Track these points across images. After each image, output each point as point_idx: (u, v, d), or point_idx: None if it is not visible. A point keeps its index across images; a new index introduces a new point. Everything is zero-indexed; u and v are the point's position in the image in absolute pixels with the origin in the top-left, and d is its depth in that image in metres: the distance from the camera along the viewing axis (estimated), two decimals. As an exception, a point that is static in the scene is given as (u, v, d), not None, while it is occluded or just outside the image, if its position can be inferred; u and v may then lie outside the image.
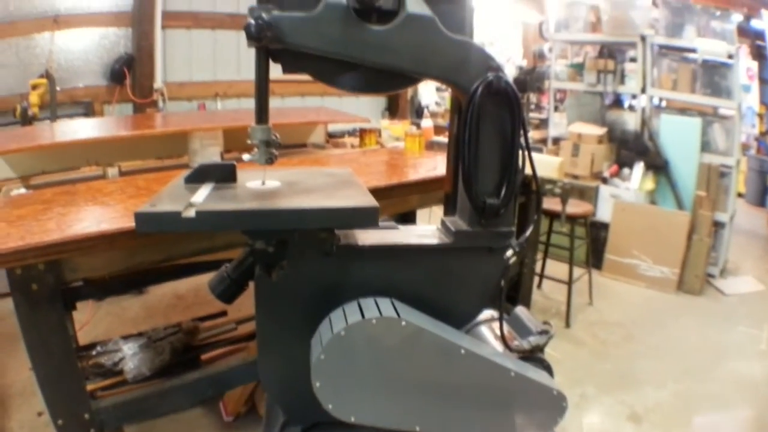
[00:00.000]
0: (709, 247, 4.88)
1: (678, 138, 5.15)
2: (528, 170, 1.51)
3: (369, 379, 1.33)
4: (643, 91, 5.38)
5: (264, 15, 1.24)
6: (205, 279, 1.54)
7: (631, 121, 5.53)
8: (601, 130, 5.49)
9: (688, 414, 3.13)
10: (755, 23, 6.97)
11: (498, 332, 1.49)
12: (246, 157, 1.42)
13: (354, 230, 1.56)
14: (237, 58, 5.85)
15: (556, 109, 6.42)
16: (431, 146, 3.75)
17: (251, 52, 1.31)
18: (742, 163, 6.71)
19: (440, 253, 1.53)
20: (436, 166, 3.08)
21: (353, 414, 1.33)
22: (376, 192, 1.53)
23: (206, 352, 2.65)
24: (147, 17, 5.15)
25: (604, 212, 5.28)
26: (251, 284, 1.46)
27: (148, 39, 5.19)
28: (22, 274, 1.68)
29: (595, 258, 4.97)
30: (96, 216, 1.99)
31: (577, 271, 4.25)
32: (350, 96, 6.48)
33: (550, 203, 4.07)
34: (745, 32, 7.17)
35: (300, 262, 1.42)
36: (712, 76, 5.03)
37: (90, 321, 3.72)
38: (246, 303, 1.55)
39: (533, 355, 1.47)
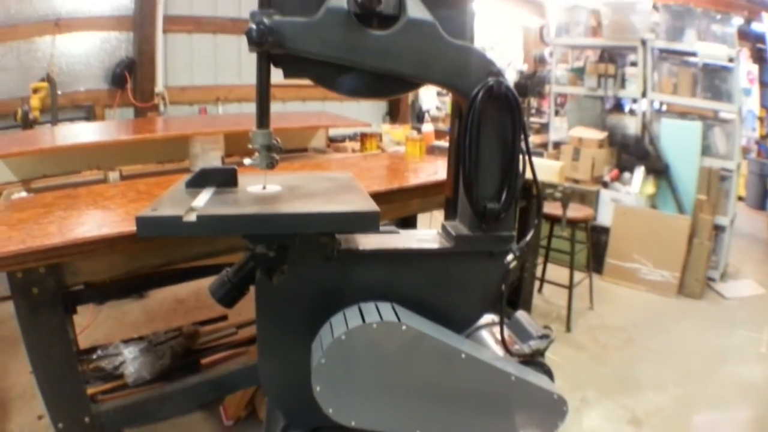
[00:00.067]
0: (710, 251, 4.88)
1: (678, 142, 5.15)
2: (528, 174, 1.51)
3: (370, 383, 1.33)
4: (644, 95, 5.39)
5: (265, 20, 1.25)
6: (205, 283, 1.54)
7: (631, 125, 5.53)
8: (601, 135, 5.49)
9: (689, 417, 3.13)
10: (756, 26, 6.97)
11: (498, 336, 1.49)
12: (247, 161, 1.43)
13: (355, 235, 1.56)
14: (238, 62, 5.87)
15: (556, 113, 6.43)
16: (432, 151, 3.76)
17: (252, 57, 1.32)
18: (743, 166, 6.70)
19: (441, 258, 1.53)
20: (436, 170, 3.09)
21: (354, 418, 1.32)
22: (376, 196, 1.53)
23: (207, 356, 2.65)
24: (148, 21, 5.16)
25: (604, 216, 5.28)
26: (252, 288, 1.46)
27: (149, 43, 5.20)
28: (23, 278, 1.68)
29: (596, 262, 4.97)
30: (97, 220, 2.00)
31: (578, 276, 4.25)
32: (351, 100, 6.48)
33: (551, 207, 4.07)
34: (745, 35, 7.17)
35: (301, 267, 1.42)
36: (713, 79, 5.04)
37: (91, 325, 3.72)
38: (246, 307, 1.55)
39: (534, 360, 1.47)
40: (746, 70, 7.76)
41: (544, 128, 7.10)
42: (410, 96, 7.69)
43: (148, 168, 3.27)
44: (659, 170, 5.21)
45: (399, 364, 1.33)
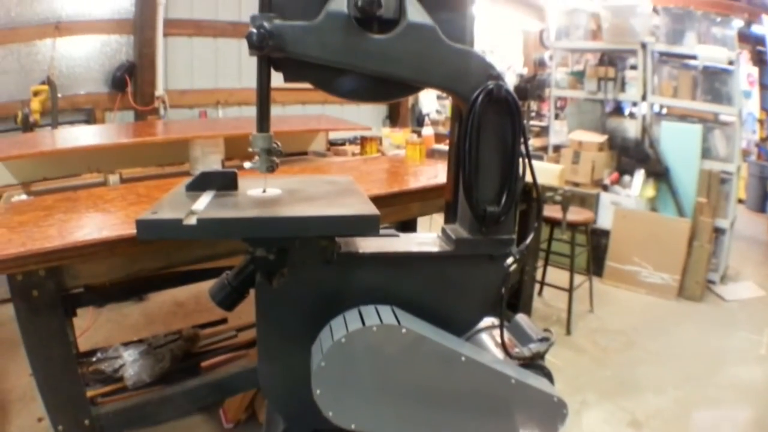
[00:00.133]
0: (710, 254, 4.88)
1: (678, 145, 5.16)
2: (528, 178, 1.51)
3: (369, 386, 1.33)
4: (644, 98, 5.39)
5: (266, 24, 1.25)
6: (205, 286, 1.54)
7: (631, 129, 5.53)
8: (601, 138, 5.49)
9: (689, 420, 3.12)
10: (756, 28, 6.98)
11: (498, 340, 1.49)
12: (247, 165, 1.43)
13: (355, 238, 1.56)
14: (238, 66, 5.87)
15: (556, 116, 6.43)
16: (432, 154, 3.75)
17: (252, 61, 1.32)
18: (743, 169, 6.71)
19: (441, 261, 1.54)
20: (436, 174, 3.09)
21: (353, 421, 1.32)
22: (376, 200, 1.54)
23: (206, 360, 2.65)
24: (149, 24, 5.17)
25: (604, 219, 5.28)
26: (252, 292, 1.46)
27: (149, 46, 5.21)
28: (23, 281, 1.68)
29: (596, 265, 4.96)
30: (97, 223, 2.00)
31: (578, 279, 4.24)
32: (351, 104, 6.49)
33: (551, 211, 4.07)
34: (745, 38, 7.18)
35: (301, 270, 1.43)
36: (713, 82, 5.04)
37: (90, 327, 3.72)
38: (246, 310, 1.55)
39: (534, 363, 1.47)
40: (746, 72, 7.77)
41: (544, 131, 7.11)
42: (410, 99, 7.70)
43: (148, 171, 3.26)
44: (659, 173, 5.21)
45: (399, 367, 1.33)
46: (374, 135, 4.30)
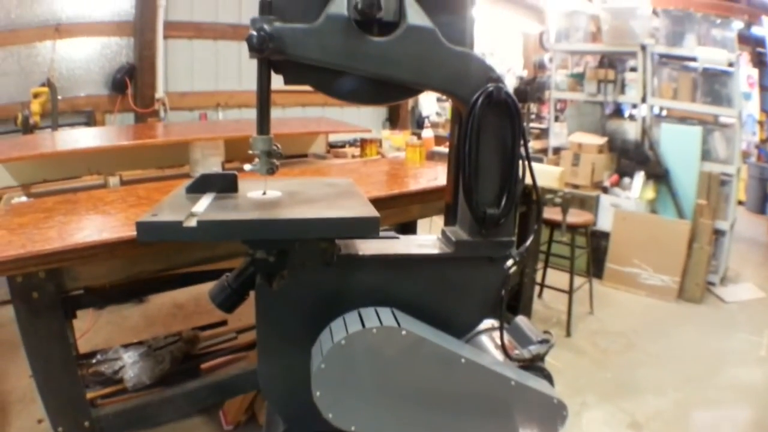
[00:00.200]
0: (710, 255, 4.88)
1: (678, 147, 5.16)
2: (528, 180, 1.52)
3: (369, 388, 1.33)
4: (644, 100, 5.39)
5: (266, 26, 1.25)
6: (205, 288, 1.54)
7: (631, 131, 5.53)
8: (601, 140, 5.49)
9: (689, 421, 3.12)
10: (756, 30, 6.98)
11: (498, 341, 1.49)
12: (247, 167, 1.43)
13: (355, 240, 1.56)
14: (238, 68, 5.88)
15: (556, 119, 6.43)
16: (432, 156, 3.76)
17: (253, 63, 1.32)
18: (743, 170, 6.71)
19: (441, 263, 1.53)
20: (436, 176, 3.09)
21: (353, 423, 1.33)
22: (376, 202, 1.54)
23: (206, 361, 2.65)
24: (149, 27, 5.18)
25: (604, 221, 5.28)
26: (252, 294, 1.46)
27: (149, 49, 5.22)
28: (22, 282, 1.69)
29: (596, 267, 4.96)
30: (97, 225, 2.00)
31: (578, 281, 4.24)
32: (351, 106, 6.49)
33: (551, 213, 4.07)
34: (745, 39, 7.18)
35: (301, 272, 1.43)
36: (713, 84, 5.04)
37: (90, 329, 3.71)
38: (246, 312, 1.55)
39: (534, 364, 1.47)
40: (746, 74, 7.77)
41: (543, 134, 7.10)
42: (410, 102, 7.71)
43: (148, 173, 3.27)
44: (659, 175, 5.21)
45: (399, 369, 1.33)
46: (374, 137, 4.31)
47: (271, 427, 1.78)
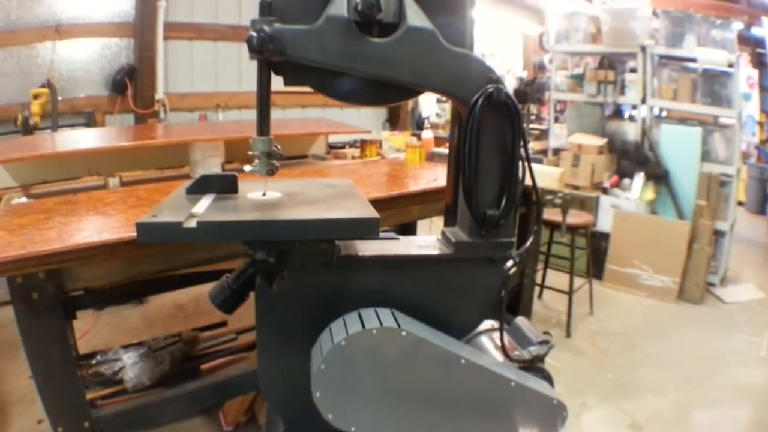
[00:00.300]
0: (710, 256, 4.88)
1: (678, 147, 5.16)
2: (528, 181, 1.52)
3: (369, 389, 1.33)
4: (644, 101, 5.40)
5: (266, 28, 1.25)
6: (205, 289, 1.54)
7: (631, 132, 5.53)
8: (601, 141, 5.50)
9: (689, 422, 3.12)
10: (756, 31, 6.99)
11: (498, 342, 1.49)
12: (247, 168, 1.43)
13: (354, 241, 1.56)
14: (238, 69, 5.88)
15: (556, 120, 6.44)
16: (432, 157, 3.77)
17: (253, 64, 1.32)
18: (743, 171, 6.71)
19: (441, 264, 1.53)
20: (436, 177, 3.09)
21: (353, 424, 1.32)
22: (376, 203, 1.54)
23: (206, 362, 2.65)
24: (149, 28, 5.18)
25: (604, 222, 5.28)
26: (252, 294, 1.46)
27: (149, 50, 5.22)
28: (22, 283, 1.69)
29: (596, 268, 4.96)
30: (97, 226, 2.00)
31: (578, 281, 4.24)
32: (351, 107, 6.50)
33: (551, 214, 4.08)
34: (745, 40, 7.19)
35: (300, 273, 1.43)
36: (713, 85, 5.05)
37: (90, 330, 3.71)
38: (246, 313, 1.55)
39: (534, 365, 1.47)
40: (746, 74, 7.77)
41: (543, 135, 7.12)
42: (410, 103, 7.72)
43: (148, 174, 3.27)
44: (659, 176, 5.21)
45: (399, 370, 1.33)
46: (374, 138, 4.32)
47: (271, 427, 1.78)
